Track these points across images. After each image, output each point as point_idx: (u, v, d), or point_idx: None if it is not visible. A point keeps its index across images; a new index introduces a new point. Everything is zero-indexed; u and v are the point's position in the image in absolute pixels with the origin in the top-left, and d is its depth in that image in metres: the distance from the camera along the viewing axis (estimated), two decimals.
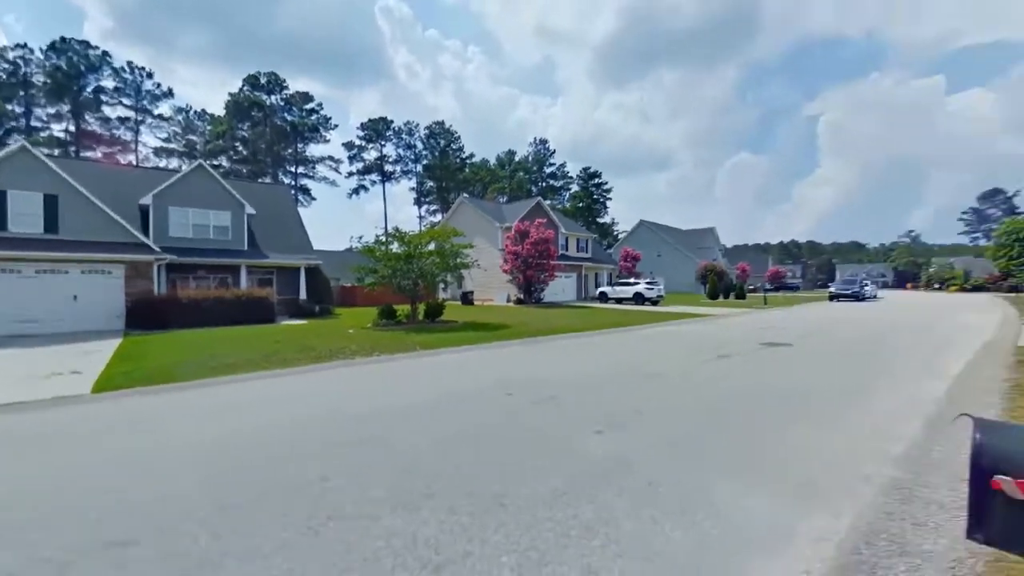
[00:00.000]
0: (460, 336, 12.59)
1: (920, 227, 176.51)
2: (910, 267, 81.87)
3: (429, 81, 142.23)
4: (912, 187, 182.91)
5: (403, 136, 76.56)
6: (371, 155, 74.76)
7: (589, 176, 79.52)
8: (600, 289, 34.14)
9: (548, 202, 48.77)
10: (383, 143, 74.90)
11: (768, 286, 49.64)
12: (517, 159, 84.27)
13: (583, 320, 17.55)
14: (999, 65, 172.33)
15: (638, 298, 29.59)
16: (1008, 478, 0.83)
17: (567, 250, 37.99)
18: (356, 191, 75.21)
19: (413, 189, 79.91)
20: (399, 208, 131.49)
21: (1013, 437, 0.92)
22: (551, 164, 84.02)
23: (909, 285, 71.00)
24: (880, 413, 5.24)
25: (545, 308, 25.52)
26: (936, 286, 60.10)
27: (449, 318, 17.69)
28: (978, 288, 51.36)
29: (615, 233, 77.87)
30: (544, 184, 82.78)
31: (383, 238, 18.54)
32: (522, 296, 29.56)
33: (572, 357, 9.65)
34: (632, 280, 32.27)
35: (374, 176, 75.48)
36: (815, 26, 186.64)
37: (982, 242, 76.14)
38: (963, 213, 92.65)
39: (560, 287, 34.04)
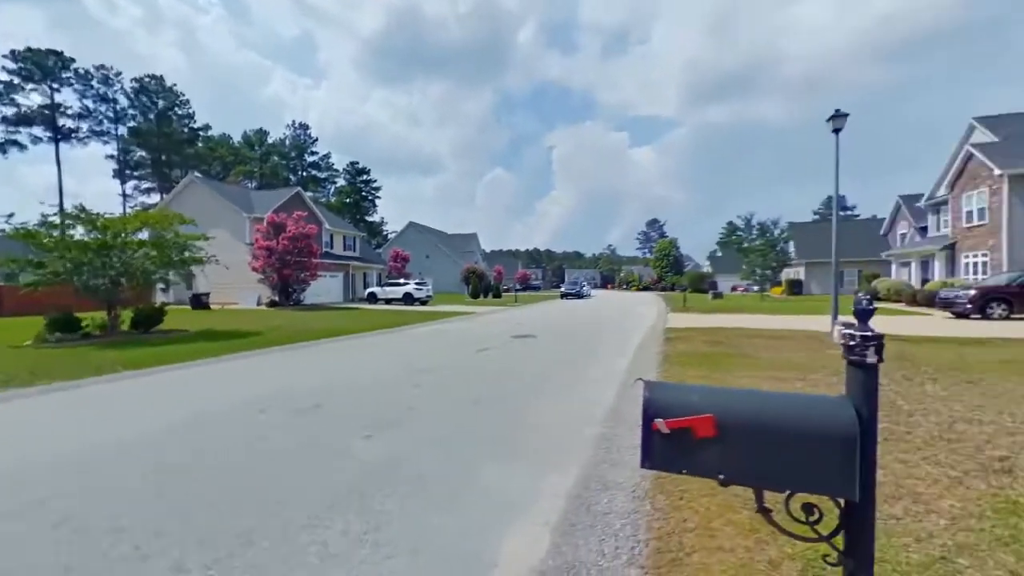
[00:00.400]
0: (191, 348, 10.17)
1: (615, 242, 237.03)
2: (610, 272, 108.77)
3: (140, 20, 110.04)
4: (611, 212, 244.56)
5: (94, 84, 56.71)
6: (32, 99, 52.63)
7: (357, 171, 76.12)
8: (369, 290, 33.13)
9: (310, 194, 44.35)
10: (56, 86, 53.76)
11: (518, 287, 57.88)
12: (271, 141, 73.69)
13: (352, 322, 16.66)
14: (655, 132, 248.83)
15: (408, 298, 30.00)
16: (661, 420, 1.20)
17: (332, 248, 35.42)
18: (1, 147, 51.77)
19: (112, 157, 60.13)
20: (86, 180, 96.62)
21: (664, 392, 1.32)
22: (313, 153, 76.77)
23: (609, 285, 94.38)
24: (591, 384, 6.79)
25: (307, 311, 23.16)
26: (624, 286, 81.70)
27: (174, 327, 14.07)
28: (646, 288, 72.34)
29: (384, 232, 76.91)
30: (305, 174, 74.99)
31: (56, 219, 13.29)
32: (277, 298, 26.03)
33: (341, 361, 9.04)
34: (402, 281, 32.51)
35: (38, 130, 53.46)
36: (551, 73, 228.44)
37: (648, 255, 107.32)
38: (638, 234, 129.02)
39: (324, 288, 31.46)
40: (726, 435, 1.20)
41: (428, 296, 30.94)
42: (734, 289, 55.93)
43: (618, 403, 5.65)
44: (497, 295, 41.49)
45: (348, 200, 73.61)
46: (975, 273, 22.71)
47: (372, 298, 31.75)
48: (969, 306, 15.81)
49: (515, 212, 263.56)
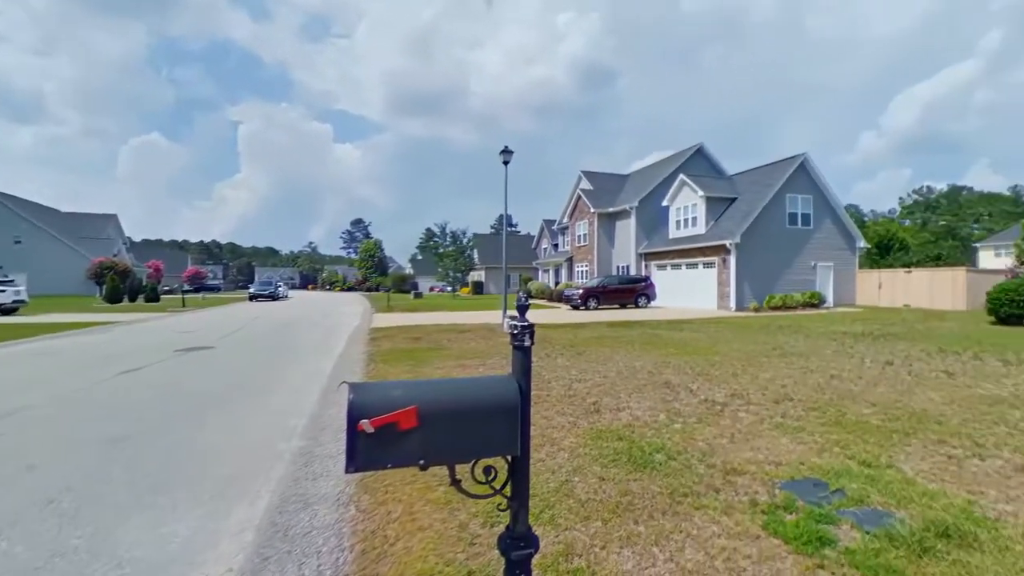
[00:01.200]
0: None
1: (318, 239, 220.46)
2: (311, 271, 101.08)
3: None
4: (313, 207, 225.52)
5: None
6: None
7: None
8: None
9: None
10: None
11: (187, 287, 46.19)
12: None
13: None
14: (361, 132, 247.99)
15: None
16: (367, 420, 1.20)
17: None
18: None
19: None
20: None
21: (369, 392, 1.33)
22: None
23: (311, 286, 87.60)
24: (288, 392, 6.13)
25: None
26: (328, 287, 77.58)
27: None
28: (351, 288, 70.94)
29: None
30: None
31: None
32: None
33: None
34: None
35: None
36: (235, 33, 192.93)
37: (353, 255, 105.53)
38: (342, 233, 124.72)
39: None
40: (425, 423, 1.31)
41: (19, 301, 20.77)
42: (432, 289, 61.78)
43: (321, 410, 5.32)
44: (153, 298, 31.79)
45: None
46: (583, 278, 32.96)
47: None
48: (579, 301, 22.97)
49: (183, 193, 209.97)
